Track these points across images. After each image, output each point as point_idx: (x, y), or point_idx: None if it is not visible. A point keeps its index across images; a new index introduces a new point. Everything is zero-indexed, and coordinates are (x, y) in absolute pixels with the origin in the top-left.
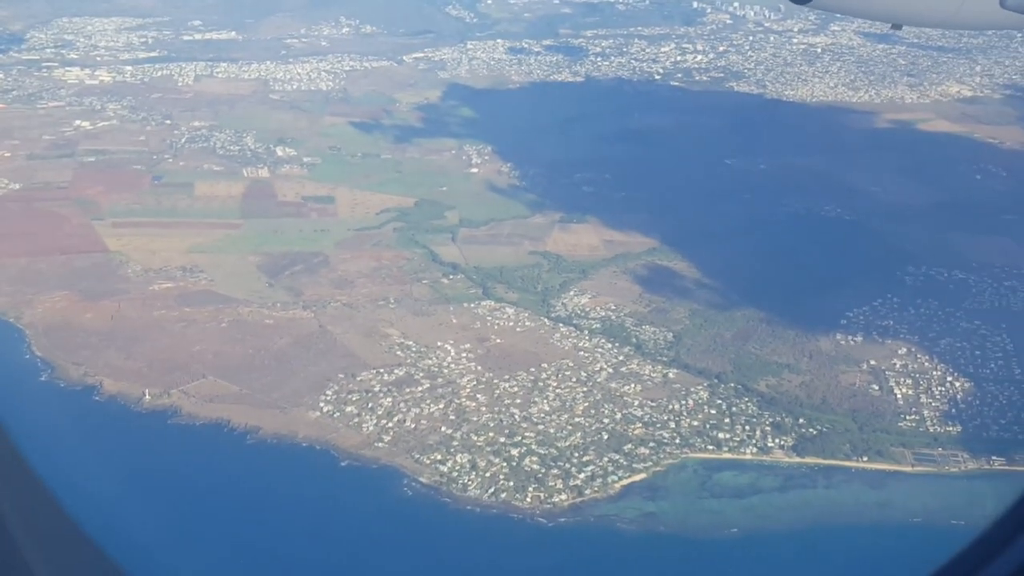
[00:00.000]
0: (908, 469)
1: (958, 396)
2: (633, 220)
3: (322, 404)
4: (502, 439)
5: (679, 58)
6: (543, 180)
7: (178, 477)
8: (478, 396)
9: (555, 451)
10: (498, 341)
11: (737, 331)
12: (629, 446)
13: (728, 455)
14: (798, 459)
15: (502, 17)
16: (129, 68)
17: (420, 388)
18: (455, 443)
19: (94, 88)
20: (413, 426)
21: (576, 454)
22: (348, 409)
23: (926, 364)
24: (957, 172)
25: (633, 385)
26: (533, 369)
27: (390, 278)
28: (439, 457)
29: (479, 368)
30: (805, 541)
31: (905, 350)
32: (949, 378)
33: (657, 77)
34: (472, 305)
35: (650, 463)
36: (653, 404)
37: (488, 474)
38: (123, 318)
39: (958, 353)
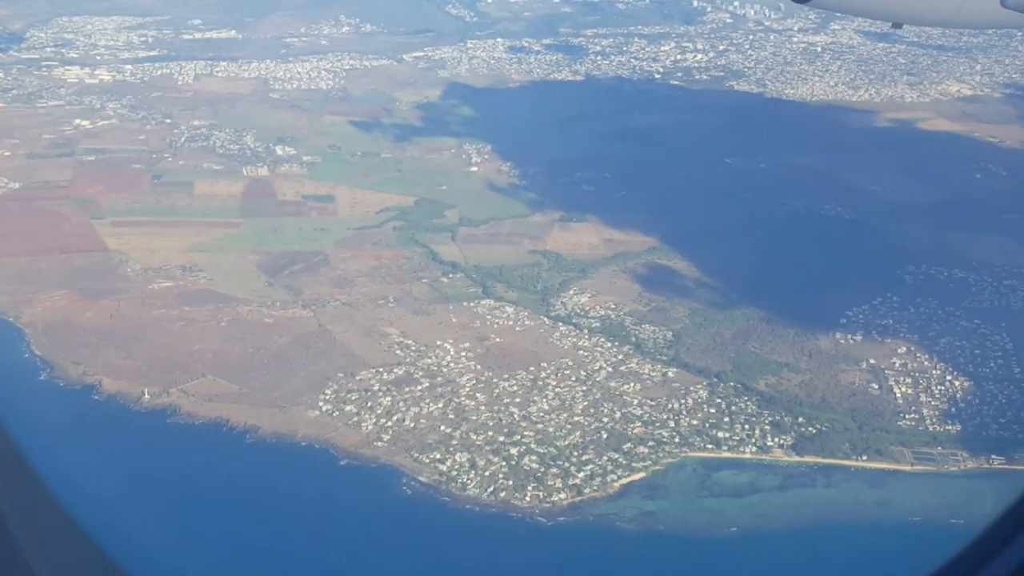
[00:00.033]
0: (907, 468)
1: (958, 395)
2: (633, 219)
3: (321, 403)
4: (501, 438)
5: (679, 57)
6: (543, 179)
7: (177, 476)
8: (477, 395)
9: (554, 450)
10: (497, 340)
11: (737, 330)
12: (628, 445)
13: (727, 454)
14: (797, 458)
15: (502, 16)
16: (129, 67)
17: (419, 387)
18: (454, 442)
19: (94, 87)
20: (412, 425)
21: (575, 453)
22: (347, 408)
23: (926, 363)
24: (957, 171)
25: (632, 384)
26: (532, 368)
27: (390, 277)
28: (438, 456)
29: (478, 367)
30: (804, 540)
31: (905, 349)
32: (949, 377)
33: (657, 76)
34: (472, 304)
35: (649, 462)
36: (652, 403)
37: (487, 473)
38: (122, 317)
39: (958, 352)
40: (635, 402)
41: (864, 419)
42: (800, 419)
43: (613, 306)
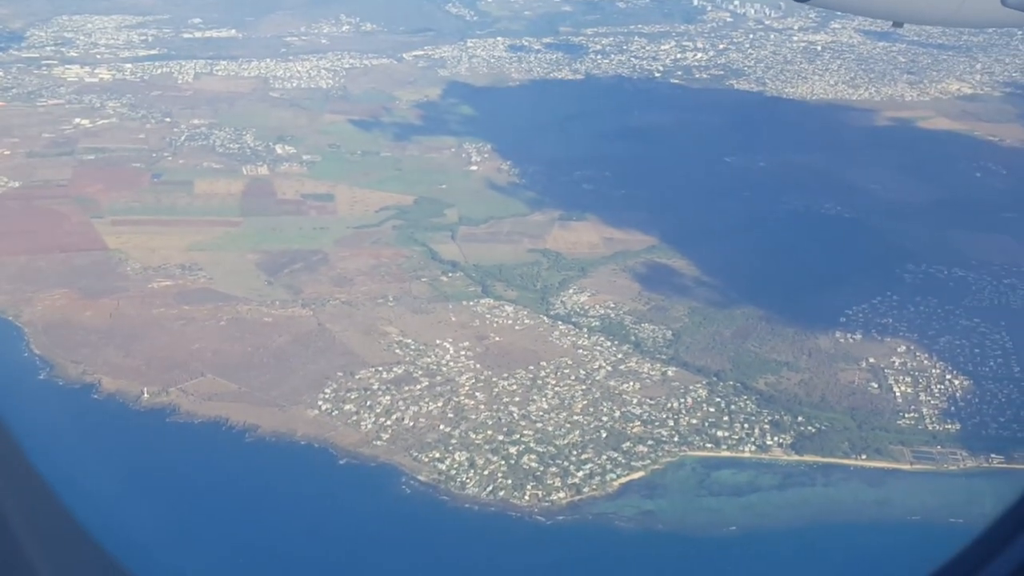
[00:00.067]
0: (907, 467)
1: (957, 394)
2: (633, 218)
3: (321, 402)
4: (500, 437)
5: (679, 56)
6: (543, 178)
7: (176, 475)
8: (477, 394)
9: (553, 449)
10: (497, 339)
11: (736, 329)
12: (628, 444)
13: (727, 453)
14: (797, 457)
15: (502, 15)
16: (129, 66)
17: (419, 386)
18: (453, 441)
19: (94, 86)
20: (411, 424)
21: (574, 452)
22: (347, 407)
23: (925, 362)
24: (957, 170)
25: (632, 383)
26: (532, 367)
27: (389, 276)
28: (437, 455)
29: (478, 366)
30: (804, 539)
31: (904, 348)
32: (948, 376)
33: (657, 75)
34: (471, 303)
35: (648, 461)
36: (652, 402)
37: (486, 472)
38: (122, 316)
39: (957, 351)
40: (634, 401)
41: (863, 418)
42: (799, 418)
43: (612, 305)
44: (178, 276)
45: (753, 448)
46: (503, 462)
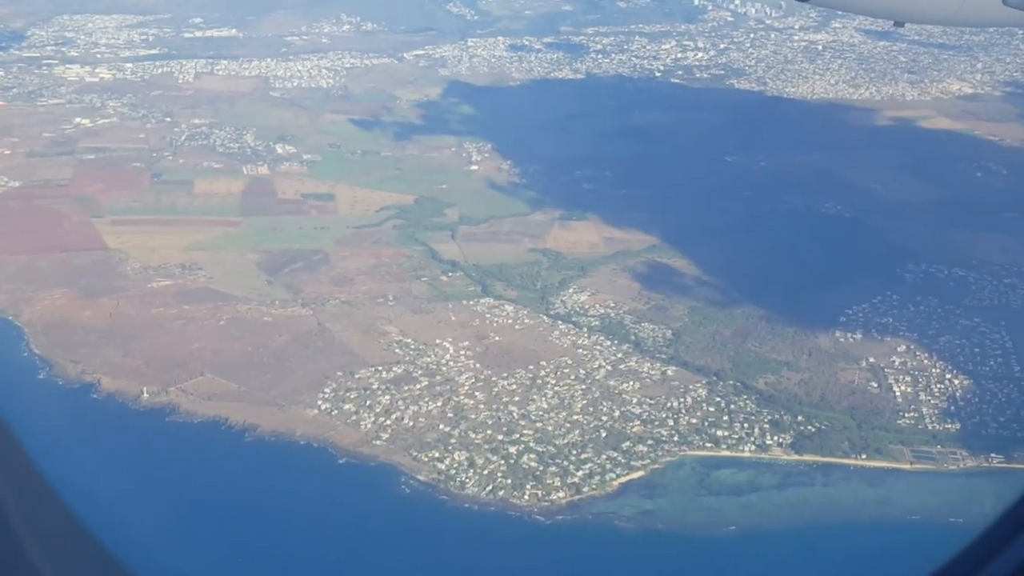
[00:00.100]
0: (907, 467)
1: (957, 394)
2: (633, 217)
3: (320, 402)
4: (500, 437)
5: (680, 55)
6: (543, 177)
7: (176, 475)
8: (476, 394)
9: (553, 449)
10: (497, 338)
11: (736, 328)
12: (627, 444)
13: (726, 453)
14: (796, 457)
15: (503, 14)
16: (130, 65)
17: (418, 386)
18: (453, 441)
19: (94, 85)
20: (411, 424)
21: (574, 452)
22: (346, 407)
23: (925, 361)
24: (957, 169)
25: (632, 383)
26: (532, 367)
27: (389, 275)
28: (437, 455)
29: (477, 366)
30: (803, 539)
31: (904, 347)
32: (948, 375)
33: (658, 74)
34: (471, 303)
35: (648, 461)
36: (652, 402)
37: (486, 472)
38: (122, 316)
39: (957, 350)
40: (634, 400)
41: (863, 417)
42: (799, 417)
43: (612, 304)
44: (178, 276)
45: (753, 448)
46: (503, 462)
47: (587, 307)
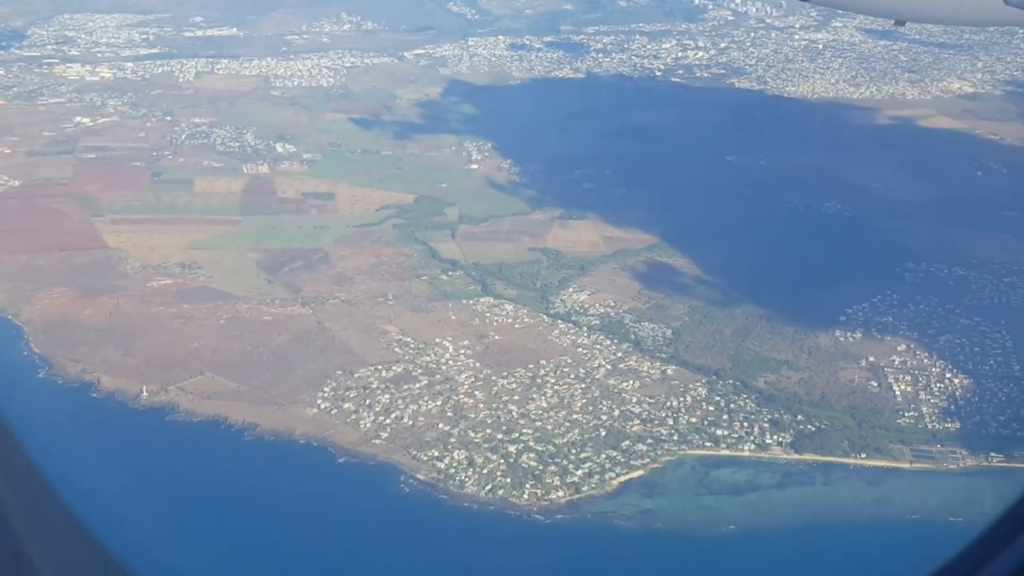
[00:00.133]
0: (906, 466)
1: (957, 393)
2: (633, 216)
3: (320, 401)
4: (500, 436)
5: (680, 54)
6: (543, 176)
7: (175, 474)
8: (476, 393)
9: (553, 448)
10: (496, 337)
11: (736, 327)
12: (627, 443)
13: (726, 452)
14: (796, 456)
15: (503, 13)
16: (130, 64)
17: (418, 385)
18: (452, 440)
19: (95, 84)
20: (411, 423)
21: (574, 451)
22: (346, 406)
23: (925, 361)
24: (958, 168)
25: (631, 382)
26: (531, 366)
27: (389, 274)
28: (436, 454)
29: (477, 365)
30: (803, 538)
31: (904, 346)
32: (948, 375)
33: (658, 73)
34: (471, 301)
35: (648, 460)
36: (651, 401)
37: (485, 471)
38: (121, 314)
39: (957, 350)
40: (634, 400)
41: (863, 417)
42: (799, 417)
43: (612, 303)
44: (178, 275)
45: (752, 447)
46: (502, 461)
47: (587, 306)
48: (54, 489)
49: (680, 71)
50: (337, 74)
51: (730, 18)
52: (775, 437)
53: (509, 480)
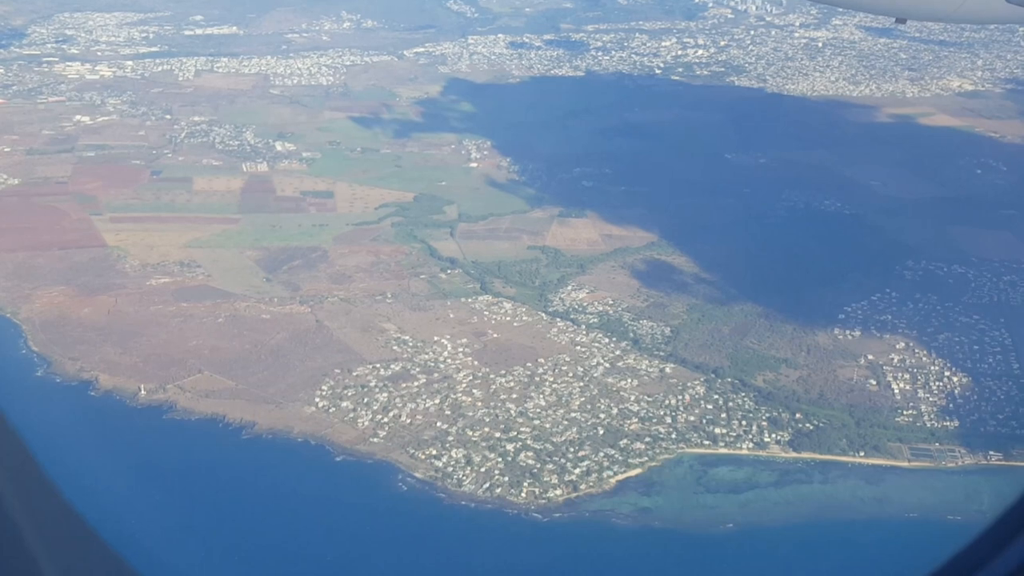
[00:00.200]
0: (905, 464)
1: (956, 391)
2: (632, 215)
3: (318, 399)
4: (498, 434)
5: (680, 52)
6: (542, 175)
7: (173, 472)
8: (474, 391)
9: (551, 446)
10: (495, 336)
11: (735, 326)
12: (625, 441)
13: (724, 450)
14: (794, 454)
15: (503, 12)
16: (130, 63)
17: (416, 383)
18: (450, 438)
19: (94, 83)
20: (409, 421)
21: (572, 449)
22: (344, 404)
23: (924, 359)
24: (957, 166)
25: (630, 380)
26: (530, 364)
27: (388, 273)
28: (434, 452)
29: (475, 363)
30: (801, 536)
31: (903, 345)
32: (947, 373)
33: (658, 71)
34: (469, 300)
35: (646, 458)
36: (650, 399)
37: (483, 469)
38: (120, 313)
39: (956, 348)
40: (632, 398)
41: (862, 415)
42: (797, 415)
43: (611, 302)
44: (176, 273)
45: (751, 445)
46: (500, 459)
47: (585, 304)
48: (56, 486)
49: (680, 69)
50: (337, 72)
51: (730, 16)
52: (773, 435)
53: (507, 478)
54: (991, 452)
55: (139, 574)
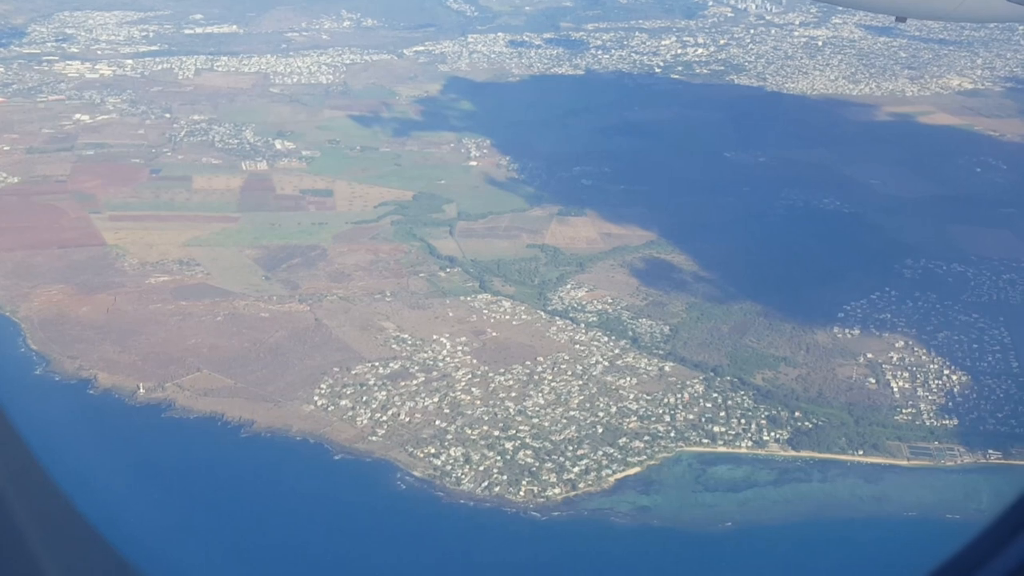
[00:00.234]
0: (904, 463)
1: (955, 389)
2: (632, 213)
3: (316, 397)
4: (496, 433)
5: (680, 51)
6: (542, 173)
7: (172, 470)
8: (473, 389)
9: (549, 445)
10: (494, 334)
11: (734, 324)
12: (624, 440)
13: (723, 449)
14: (793, 453)
15: (503, 10)
16: (130, 62)
17: (415, 381)
18: (449, 437)
19: (94, 82)
20: (407, 419)
21: (570, 448)
22: (342, 402)
23: (923, 357)
24: (957, 165)
25: (629, 378)
26: (529, 362)
27: (387, 271)
28: (433, 451)
29: (474, 361)
30: (800, 535)
31: (902, 343)
32: (946, 371)
33: (657, 70)
34: (468, 298)
35: (645, 457)
36: (648, 397)
37: (482, 468)
38: (119, 311)
39: (955, 346)
40: (631, 396)
41: (861, 413)
42: (797, 413)
43: (610, 300)
44: (175, 272)
45: (750, 444)
46: (499, 458)
47: (585, 303)
48: (56, 485)
49: (679, 68)
50: (336, 71)
51: (730, 15)
52: (772, 434)
53: (505, 477)
54: (990, 450)
55: (139, 571)
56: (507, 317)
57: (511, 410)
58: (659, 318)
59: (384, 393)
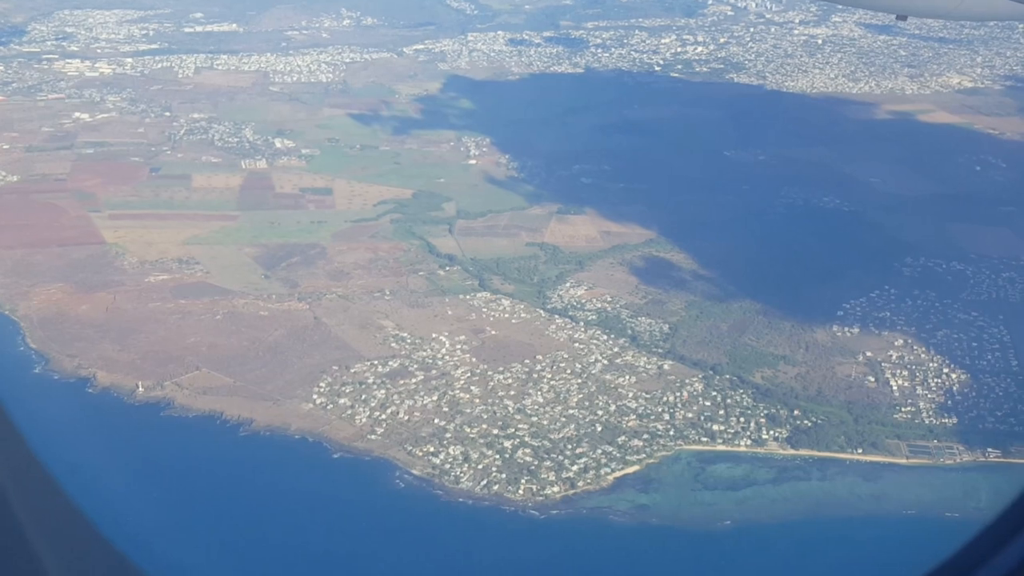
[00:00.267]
0: (903, 461)
1: (954, 388)
2: (631, 212)
3: (315, 396)
4: (495, 431)
5: (679, 49)
6: (541, 171)
7: (171, 469)
8: (472, 388)
9: (548, 443)
10: (493, 333)
11: (733, 322)
12: (623, 438)
13: (722, 447)
14: (793, 451)
15: (503, 9)
16: (129, 60)
17: (414, 380)
18: (448, 435)
19: (94, 80)
20: (406, 418)
21: (569, 446)
22: (341, 401)
23: (923, 356)
24: (956, 163)
25: (628, 377)
26: (528, 361)
27: (386, 270)
28: (432, 449)
29: (474, 360)
30: (799, 534)
31: (902, 341)
32: (945, 370)
33: (657, 68)
34: (468, 297)
35: (644, 455)
36: (648, 396)
37: (481, 466)
38: (118, 310)
39: (955, 345)
40: (630, 395)
41: (860, 412)
42: (796, 412)
43: (610, 298)
44: (175, 270)
45: (749, 442)
46: (498, 456)
47: (584, 301)
48: (57, 483)
49: (679, 66)
50: (336, 70)
51: (729, 13)
52: (772, 432)
53: (504, 476)
54: (989, 449)
55: (139, 570)
56: (506, 315)
57: (510, 408)
58: (658, 316)
59: (383, 391)
